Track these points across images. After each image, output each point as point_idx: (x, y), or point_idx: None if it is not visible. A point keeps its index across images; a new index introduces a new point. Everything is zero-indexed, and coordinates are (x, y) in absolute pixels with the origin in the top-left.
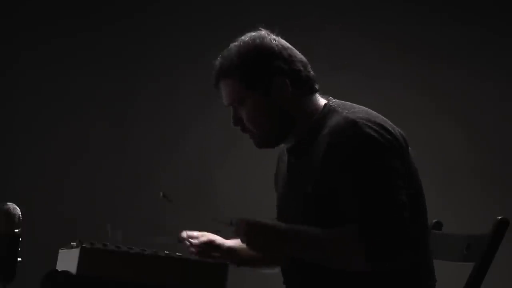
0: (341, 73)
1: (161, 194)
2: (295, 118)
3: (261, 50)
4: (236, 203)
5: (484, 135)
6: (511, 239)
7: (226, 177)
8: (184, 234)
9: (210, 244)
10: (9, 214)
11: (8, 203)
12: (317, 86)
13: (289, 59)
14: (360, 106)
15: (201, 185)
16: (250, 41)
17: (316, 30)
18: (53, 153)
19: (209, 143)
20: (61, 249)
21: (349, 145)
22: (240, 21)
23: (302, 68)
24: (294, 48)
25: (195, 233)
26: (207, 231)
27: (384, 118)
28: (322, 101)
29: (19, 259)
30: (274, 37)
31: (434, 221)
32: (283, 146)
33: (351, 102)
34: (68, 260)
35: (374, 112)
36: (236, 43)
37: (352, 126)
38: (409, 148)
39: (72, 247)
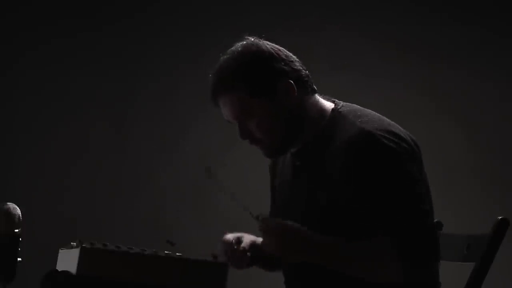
0: (341, 73)
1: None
2: (304, 120)
3: (260, 55)
4: (236, 203)
5: (484, 135)
6: (511, 239)
7: (226, 177)
8: (230, 237)
9: (255, 243)
10: (9, 214)
11: (8, 203)
12: (315, 86)
13: (288, 60)
14: (369, 110)
15: (201, 185)
16: (245, 50)
17: (316, 30)
18: (53, 153)
19: (209, 143)
20: (61, 249)
21: (369, 158)
22: (240, 21)
23: (301, 68)
24: (285, 49)
25: (230, 237)
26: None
27: (396, 124)
28: (327, 103)
29: (19, 259)
30: (265, 41)
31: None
32: None
33: (351, 102)
34: (68, 260)
35: (385, 119)
36: (228, 56)
37: (369, 138)
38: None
39: (72, 247)
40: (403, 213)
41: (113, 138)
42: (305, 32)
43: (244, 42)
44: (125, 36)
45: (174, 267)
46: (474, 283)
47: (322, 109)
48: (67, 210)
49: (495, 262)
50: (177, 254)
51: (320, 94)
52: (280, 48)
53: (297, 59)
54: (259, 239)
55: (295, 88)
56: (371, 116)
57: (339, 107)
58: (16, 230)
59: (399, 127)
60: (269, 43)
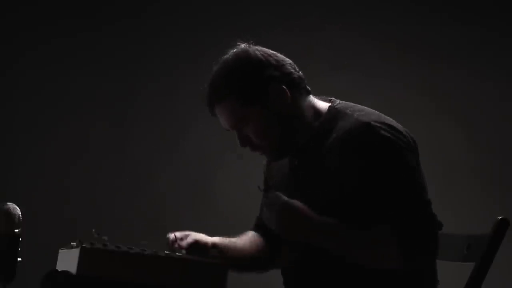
0: (341, 73)
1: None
2: (300, 121)
3: (249, 63)
4: (236, 203)
5: (484, 135)
6: (511, 239)
7: (226, 177)
8: (172, 236)
9: (197, 244)
10: (9, 214)
11: (8, 203)
12: (309, 87)
13: (278, 65)
14: (365, 107)
15: (201, 185)
16: (235, 59)
17: (316, 30)
18: (53, 153)
19: (209, 143)
20: (61, 249)
21: (367, 148)
22: (240, 21)
23: (293, 70)
24: (277, 53)
25: (178, 234)
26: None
27: (393, 120)
28: (322, 103)
29: (19, 259)
30: (256, 47)
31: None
32: None
33: (351, 102)
34: (68, 260)
35: (382, 114)
36: (220, 65)
37: (368, 129)
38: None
39: (72, 247)
40: (403, 201)
41: (113, 138)
42: (305, 32)
43: (235, 50)
44: (125, 36)
45: (174, 267)
46: (474, 283)
47: (317, 109)
48: (67, 210)
49: (495, 262)
50: (177, 254)
51: (316, 95)
52: (271, 52)
53: (290, 62)
54: (208, 239)
55: (288, 92)
56: (368, 110)
57: (335, 104)
58: (16, 230)
59: (396, 122)
60: (259, 48)
